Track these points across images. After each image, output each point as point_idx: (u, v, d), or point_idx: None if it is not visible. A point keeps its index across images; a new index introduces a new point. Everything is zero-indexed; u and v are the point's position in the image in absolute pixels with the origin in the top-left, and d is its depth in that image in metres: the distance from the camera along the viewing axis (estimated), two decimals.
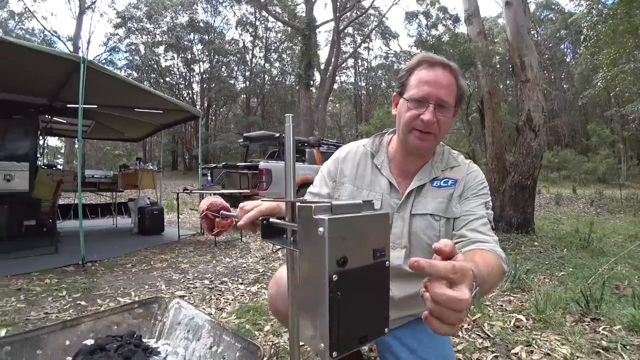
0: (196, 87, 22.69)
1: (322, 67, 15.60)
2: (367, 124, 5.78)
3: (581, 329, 1.72)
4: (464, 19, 5.71)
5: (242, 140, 7.32)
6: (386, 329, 0.47)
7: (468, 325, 1.78)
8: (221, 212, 0.97)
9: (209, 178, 5.19)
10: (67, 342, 1.00)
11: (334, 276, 0.40)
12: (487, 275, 0.65)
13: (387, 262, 0.46)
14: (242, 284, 2.70)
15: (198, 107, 22.82)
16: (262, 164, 5.78)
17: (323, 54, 18.44)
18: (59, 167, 6.85)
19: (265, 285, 2.62)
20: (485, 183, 1.01)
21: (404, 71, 0.99)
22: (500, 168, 5.33)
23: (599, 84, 12.60)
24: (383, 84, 28.26)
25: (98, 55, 20.63)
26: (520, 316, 1.91)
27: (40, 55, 3.19)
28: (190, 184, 14.14)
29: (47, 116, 5.24)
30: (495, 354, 1.48)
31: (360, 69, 27.91)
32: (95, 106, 4.84)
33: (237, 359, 0.90)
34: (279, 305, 1.02)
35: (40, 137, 5.44)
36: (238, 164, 6.85)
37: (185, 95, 22.54)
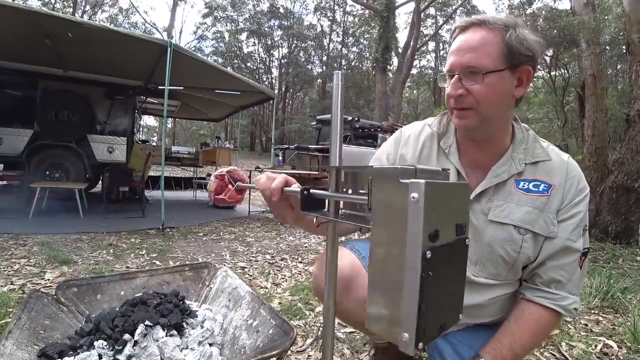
0: (275, 72, 23.92)
1: (400, 50, 15.05)
2: (442, 108, 5.49)
3: None
4: None
5: (314, 122, 7.60)
6: (460, 316, 0.42)
7: (548, 350, 1.64)
8: (237, 183, 0.86)
9: (280, 158, 5.56)
10: (122, 292, 1.12)
11: (427, 252, 0.34)
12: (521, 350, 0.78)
13: (467, 240, 0.41)
14: (301, 262, 2.84)
15: (276, 91, 24.07)
16: None
17: (402, 36, 17.77)
18: (153, 143, 7.97)
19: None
20: (587, 193, 0.84)
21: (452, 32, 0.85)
22: (600, 166, 4.67)
23: None
24: None
25: (188, 43, 23.07)
26: (610, 342, 1.72)
27: (135, 41, 3.72)
28: (264, 163, 15.15)
29: (142, 97, 6.15)
30: None
31: (441, 52, 26.20)
32: (181, 88, 5.54)
33: (269, 336, 0.92)
34: (322, 284, 1.00)
35: (137, 116, 6.43)
36: (310, 146, 7.16)
37: (264, 79, 23.91)
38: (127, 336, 0.81)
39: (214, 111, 7.34)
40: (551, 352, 1.57)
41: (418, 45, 16.21)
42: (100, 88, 5.11)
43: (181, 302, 1.05)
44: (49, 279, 1.89)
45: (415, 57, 16.01)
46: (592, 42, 3.98)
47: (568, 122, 4.67)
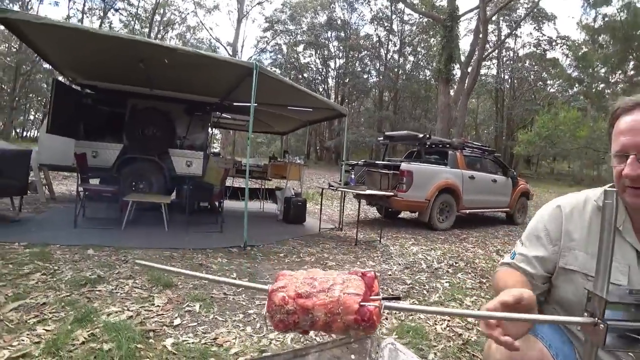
0: (331, 82, 24.23)
1: (463, 59, 14.33)
2: (527, 132, 5.04)
3: None
4: None
5: (382, 138, 7.45)
6: None
7: None
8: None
9: (352, 176, 5.49)
10: None
11: None
12: None
13: None
14: (391, 295, 2.73)
15: (332, 100, 24.35)
16: (404, 165, 5.75)
17: (463, 44, 16.95)
18: (220, 155, 8.35)
19: (417, 302, 2.63)
20: None
21: (608, 124, 0.88)
22: None
23: None
24: (531, 76, 24.16)
25: (250, 57, 24.28)
26: None
27: (222, 63, 3.91)
28: (322, 174, 15.31)
29: (217, 113, 6.46)
30: None
31: (504, 59, 24.54)
32: (256, 104, 5.76)
33: None
34: None
35: (210, 130, 6.79)
36: (377, 161, 7.01)
37: (320, 89, 24.30)
38: None
39: (282, 125, 7.54)
40: None
41: (484, 55, 15.34)
42: (181, 105, 5.49)
43: None
44: (158, 305, 1.99)
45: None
46: None
47: None
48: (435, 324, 2.23)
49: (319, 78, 23.20)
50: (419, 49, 23.39)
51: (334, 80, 23.55)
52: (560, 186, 16.26)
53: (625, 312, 0.57)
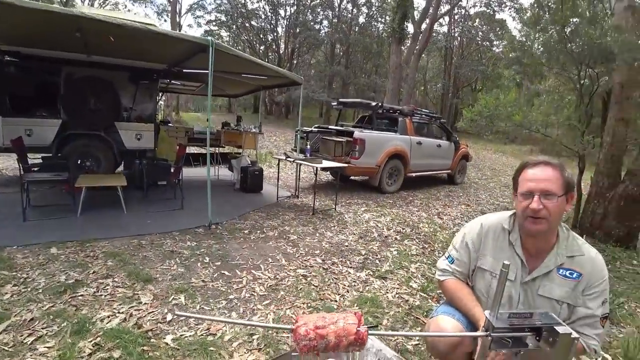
0: (281, 31, 22.90)
1: (417, 18, 14.43)
2: (471, 110, 5.60)
3: None
4: None
5: (335, 103, 7.67)
6: None
7: None
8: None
9: (308, 146, 5.71)
10: None
11: None
12: None
13: None
14: (350, 267, 3.16)
15: (282, 51, 23.19)
16: (357, 134, 6.10)
17: (417, 1, 16.87)
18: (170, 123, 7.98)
19: (371, 272, 3.09)
20: (606, 276, 1.23)
21: (515, 172, 1.29)
22: (613, 172, 4.93)
23: None
24: (480, 35, 25.18)
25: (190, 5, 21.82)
26: (607, 356, 2.13)
27: (174, 39, 3.59)
28: (273, 130, 15.21)
29: (166, 80, 6.09)
30: None
31: (455, 17, 25.05)
32: (207, 71, 5.53)
33: None
34: (440, 348, 1.33)
35: (159, 98, 6.41)
36: (330, 127, 7.27)
37: (269, 39, 22.91)
38: None
39: (235, 89, 7.33)
40: None
41: (438, 15, 15.51)
42: (124, 73, 5.11)
43: None
44: (146, 303, 2.18)
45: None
46: (626, 59, 4.03)
47: (589, 128, 4.85)
48: (387, 293, 2.74)
49: (268, 27, 21.80)
50: (373, 0, 22.77)
51: (284, 31, 22.31)
52: (497, 143, 18.02)
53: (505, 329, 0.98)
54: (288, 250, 3.45)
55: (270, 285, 2.64)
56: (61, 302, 2.10)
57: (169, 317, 2.05)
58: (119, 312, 2.04)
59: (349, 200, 5.83)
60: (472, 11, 25.33)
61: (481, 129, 5.44)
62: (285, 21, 21.72)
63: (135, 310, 2.09)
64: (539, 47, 5.45)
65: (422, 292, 2.79)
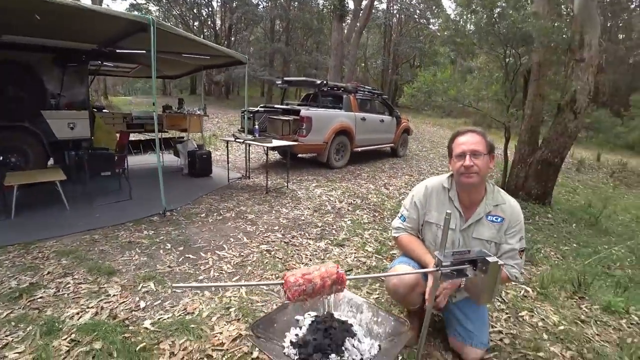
0: (216, 6, 21.59)
1: None
2: (411, 87, 6.00)
3: (570, 303, 2.47)
4: None
5: (280, 82, 7.66)
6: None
7: None
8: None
9: (256, 127, 5.71)
10: (285, 318, 1.41)
11: None
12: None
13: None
14: (310, 238, 3.38)
15: (218, 28, 21.97)
16: (304, 112, 6.23)
17: None
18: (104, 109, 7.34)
19: (329, 242, 3.34)
20: (522, 219, 1.61)
21: (449, 140, 1.62)
22: (532, 140, 5.72)
23: None
24: (417, 12, 26.23)
25: None
26: (528, 288, 2.65)
27: (110, 17, 3.30)
28: (215, 112, 14.60)
29: (97, 62, 5.58)
30: (508, 315, 2.24)
31: None
32: (144, 51, 5.20)
33: (392, 326, 1.41)
34: (400, 291, 1.62)
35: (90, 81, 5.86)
36: (277, 106, 7.29)
37: (204, 14, 21.51)
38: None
39: (174, 70, 6.93)
40: (498, 299, 2.44)
41: None
42: (48, 54, 4.59)
43: (337, 319, 1.44)
44: (115, 295, 2.17)
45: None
46: (542, 41, 4.63)
47: (512, 103, 5.52)
48: (346, 258, 3.01)
49: (202, 1, 20.39)
50: None
51: (220, 5, 21.03)
52: (435, 117, 19.27)
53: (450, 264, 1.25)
54: (248, 228, 3.55)
55: (236, 263, 2.76)
56: (19, 308, 2.01)
57: (142, 304, 2.09)
58: (88, 307, 2.02)
59: (299, 178, 6.01)
60: None
61: (420, 104, 5.89)
62: None
63: (105, 303, 2.08)
64: (471, 27, 5.95)
65: (377, 255, 3.11)
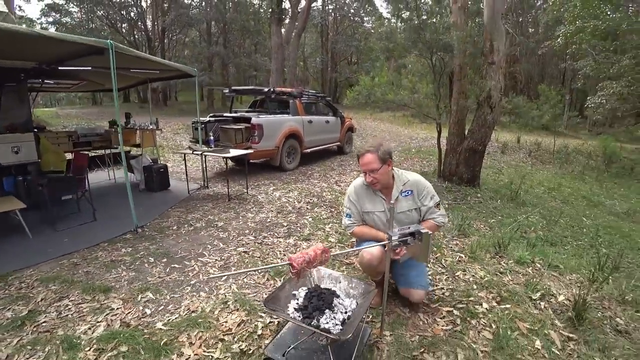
0: (146, 7, 20.64)
1: None
2: (353, 90, 6.67)
3: (493, 262, 3.24)
4: None
5: (228, 91, 7.92)
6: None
7: (433, 262, 3.20)
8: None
9: (212, 137, 5.96)
10: (285, 295, 1.84)
11: None
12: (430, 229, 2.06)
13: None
14: (279, 237, 3.81)
15: (150, 30, 21.08)
16: (255, 120, 6.61)
17: None
18: (51, 128, 7.00)
19: (297, 238, 3.81)
20: (425, 184, 2.24)
21: (357, 158, 2.19)
22: (459, 132, 6.71)
23: (559, 40, 14.28)
24: (351, 11, 27.51)
25: None
26: (461, 254, 3.38)
27: (69, 43, 3.35)
28: (148, 120, 14.14)
29: (37, 80, 5.41)
30: (447, 275, 2.92)
31: None
32: (90, 68, 5.20)
33: (363, 288, 1.93)
34: (374, 264, 2.15)
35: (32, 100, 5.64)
36: (226, 115, 7.56)
37: (132, 15, 20.48)
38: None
39: (119, 83, 6.79)
40: (438, 265, 3.11)
41: None
42: None
43: (324, 288, 1.93)
44: (119, 308, 2.42)
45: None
46: (460, 48, 5.54)
47: (442, 100, 6.44)
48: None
49: (131, 1, 19.35)
50: None
51: (151, 7, 20.12)
52: (374, 112, 20.48)
53: (400, 237, 1.82)
54: (221, 235, 3.87)
55: (220, 266, 3.12)
56: (27, 334, 2.15)
57: (148, 311, 2.39)
58: (97, 322, 2.26)
59: (257, 183, 6.38)
60: None
61: (362, 105, 6.58)
62: None
63: (112, 316, 2.33)
64: (401, 33, 6.78)
65: (339, 244, 3.67)
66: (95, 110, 20.09)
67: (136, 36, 21.02)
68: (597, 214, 6.25)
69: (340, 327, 1.63)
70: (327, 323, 1.63)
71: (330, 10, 27.15)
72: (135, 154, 6.81)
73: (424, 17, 5.94)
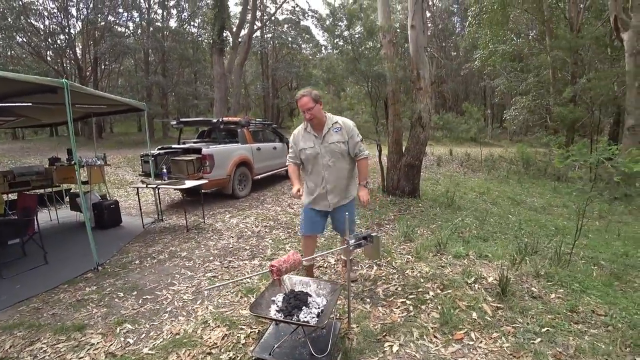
0: (75, 35, 19.67)
1: (235, 30, 15.54)
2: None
3: (435, 259, 3.82)
4: (379, 29, 7.36)
5: (175, 122, 8.02)
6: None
7: (385, 265, 3.69)
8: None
9: (165, 170, 6.03)
10: (265, 301, 2.19)
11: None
12: (363, 170, 2.96)
13: None
14: (244, 260, 4.05)
15: (80, 59, 20.10)
16: (205, 150, 6.81)
17: (235, 9, 17.95)
18: None
19: (261, 258, 4.08)
20: (352, 125, 2.86)
21: (295, 101, 2.88)
22: (398, 150, 7.51)
23: (476, 62, 16.55)
24: (289, 39, 28.83)
25: None
26: (409, 256, 3.93)
27: (24, 83, 3.42)
28: (92, 155, 13.42)
29: None
30: (398, 275, 3.42)
31: (266, 23, 27.85)
32: (30, 104, 5.09)
33: (329, 288, 2.30)
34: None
35: None
36: (175, 146, 7.63)
37: (61, 42, 19.31)
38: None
39: (57, 118, 6.61)
40: (389, 267, 3.59)
41: (255, 27, 16.97)
42: None
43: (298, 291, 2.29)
44: (99, 342, 2.50)
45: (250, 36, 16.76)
46: (391, 77, 6.38)
47: (379, 122, 7.22)
48: None
49: (58, 28, 18.23)
50: (183, 4, 22.43)
51: (82, 34, 19.17)
52: None
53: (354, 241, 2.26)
54: (187, 264, 4.00)
55: (192, 292, 3.30)
56: None
57: (130, 341, 2.51)
58: (80, 358, 2.33)
59: (212, 212, 6.50)
60: (280, 17, 28.62)
61: None
62: (80, 22, 18.82)
63: (94, 350, 2.41)
64: (339, 65, 7.54)
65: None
66: (17, 145, 18.46)
67: (65, 65, 19.90)
68: (520, 210, 7.32)
69: (317, 319, 2.00)
70: (306, 317, 1.99)
71: (269, 39, 28.20)
72: (76, 191, 6.59)
73: (360, 49, 6.72)
